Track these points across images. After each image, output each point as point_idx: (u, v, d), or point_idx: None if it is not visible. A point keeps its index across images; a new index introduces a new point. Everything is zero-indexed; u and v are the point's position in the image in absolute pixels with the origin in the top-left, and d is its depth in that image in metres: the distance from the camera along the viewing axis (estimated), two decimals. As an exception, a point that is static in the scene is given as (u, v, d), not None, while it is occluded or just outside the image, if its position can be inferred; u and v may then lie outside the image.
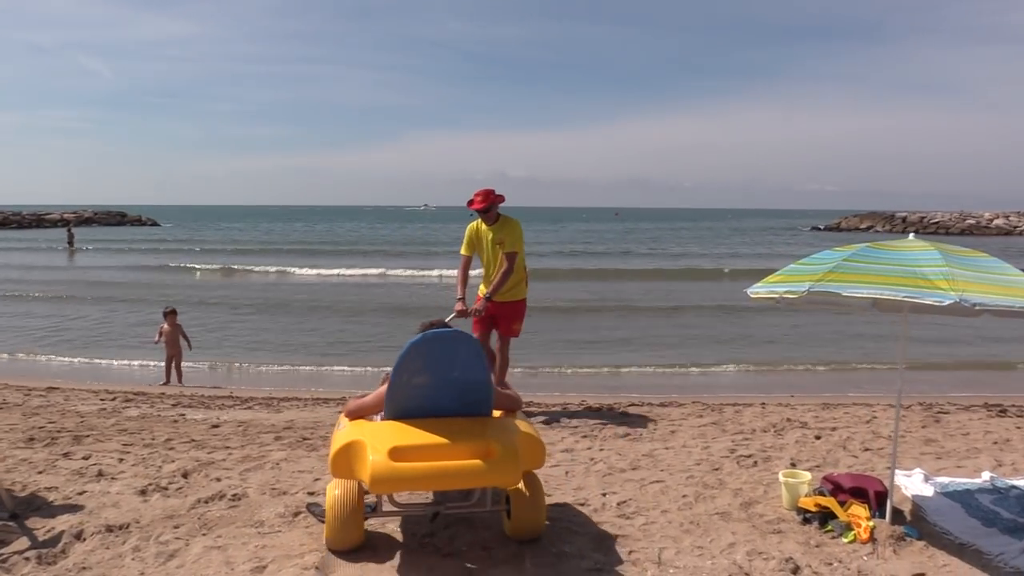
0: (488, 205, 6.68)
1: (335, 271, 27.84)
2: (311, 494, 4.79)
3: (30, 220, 64.41)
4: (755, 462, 5.54)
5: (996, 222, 70.97)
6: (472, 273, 6.98)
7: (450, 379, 3.94)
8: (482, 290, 6.81)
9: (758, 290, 4.34)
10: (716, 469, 5.38)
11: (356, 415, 4.17)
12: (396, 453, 3.59)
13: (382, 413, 4.07)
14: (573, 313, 17.18)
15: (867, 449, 5.88)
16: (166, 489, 4.88)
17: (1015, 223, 69.76)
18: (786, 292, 4.06)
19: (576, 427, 6.51)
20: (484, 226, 6.86)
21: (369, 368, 11.58)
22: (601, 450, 5.82)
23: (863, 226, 73.85)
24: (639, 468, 5.40)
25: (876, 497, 4.55)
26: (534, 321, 14.71)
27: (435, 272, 26.56)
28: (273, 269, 28.65)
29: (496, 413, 4.24)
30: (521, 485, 4.00)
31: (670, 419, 6.75)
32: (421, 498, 4.56)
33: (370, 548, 3.96)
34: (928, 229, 68.62)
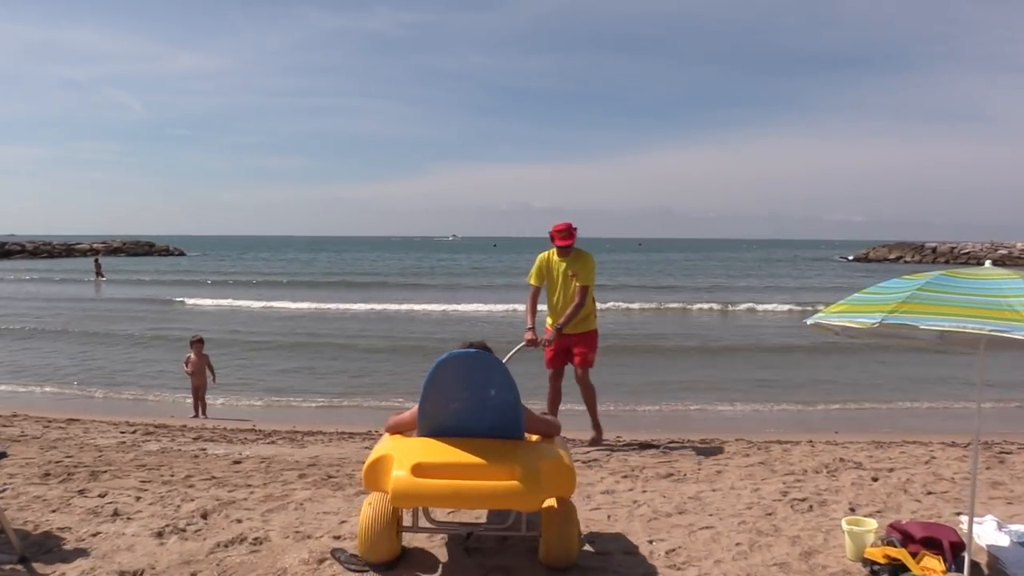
0: (572, 241, 6.77)
1: (362, 305, 27.51)
2: (337, 538, 4.49)
3: (60, 250, 65.33)
4: (810, 506, 5.16)
5: (1028, 252, 69.77)
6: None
7: (476, 399, 3.96)
8: (550, 322, 6.88)
9: (820, 320, 4.01)
10: (769, 514, 5.01)
11: (394, 430, 4.32)
12: (419, 470, 3.71)
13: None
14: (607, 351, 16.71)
15: (930, 492, 5.48)
16: (184, 531, 4.60)
17: (1048, 253, 68.52)
18: (853, 322, 3.73)
19: (615, 467, 6.16)
20: (556, 258, 6.89)
21: (397, 401, 11.32)
22: (644, 492, 5.46)
23: (892, 256, 72.98)
24: (686, 512, 5.04)
25: (951, 548, 4.17)
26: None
27: (461, 306, 26.20)
28: (296, 305, 28.32)
29: (534, 438, 4.25)
30: (553, 512, 4.00)
31: (715, 458, 6.38)
32: (465, 517, 4.68)
33: (407, 561, 4.09)
34: (959, 259, 67.58)
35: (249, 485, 5.61)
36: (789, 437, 7.60)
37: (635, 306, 25.41)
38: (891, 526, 4.43)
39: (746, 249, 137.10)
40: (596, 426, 7.12)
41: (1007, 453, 6.70)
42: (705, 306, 26.18)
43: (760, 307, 25.19)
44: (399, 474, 3.69)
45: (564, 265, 6.82)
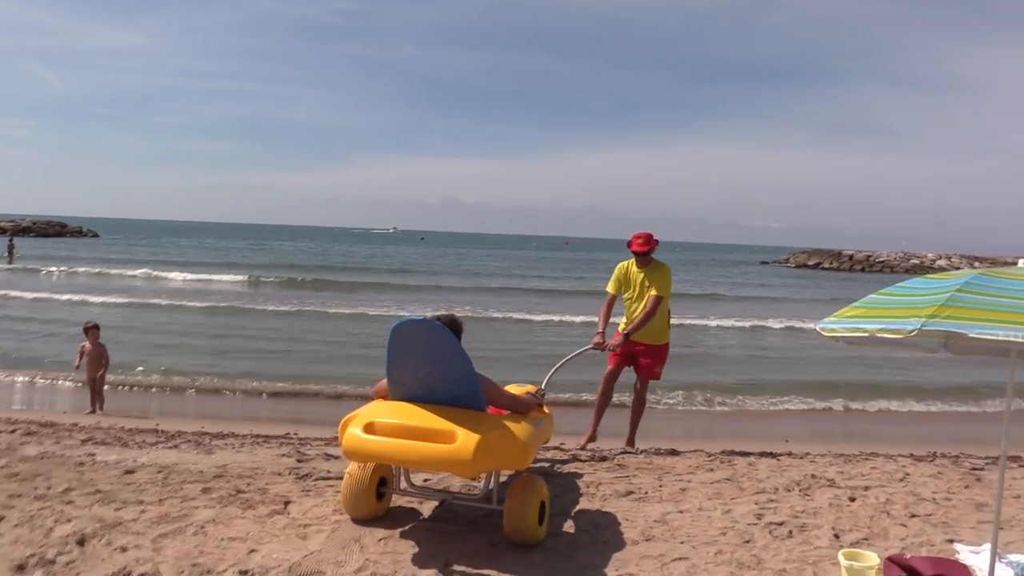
0: (649, 249, 6.75)
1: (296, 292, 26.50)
2: (243, 573, 3.69)
3: (-37, 228, 61.22)
4: (790, 531, 4.60)
5: (939, 262, 72.58)
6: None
7: (433, 368, 4.09)
8: (622, 327, 6.85)
9: (834, 327, 3.41)
10: (747, 541, 4.42)
11: (377, 395, 4.53)
12: (370, 428, 3.98)
13: None
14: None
15: (914, 515, 4.98)
16: (52, 563, 3.74)
17: (957, 264, 71.39)
18: (883, 331, 3.12)
19: (568, 483, 5.47)
20: (635, 268, 6.89)
21: (316, 395, 10.46)
22: (604, 513, 4.81)
23: (811, 263, 74.99)
24: (654, 539, 4.41)
25: (965, 589, 3.65)
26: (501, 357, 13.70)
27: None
28: (228, 278, 27.16)
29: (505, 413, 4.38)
30: (515, 485, 4.21)
31: (676, 473, 5.77)
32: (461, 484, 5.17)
33: (389, 518, 4.52)
34: (874, 268, 69.86)
35: (141, 502, 4.72)
36: (743, 447, 7.09)
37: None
38: (891, 559, 3.88)
39: (671, 251, 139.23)
40: (630, 440, 6.97)
41: (979, 469, 6.30)
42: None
43: (714, 323, 24.01)
44: (351, 431, 4.01)
45: (642, 276, 6.81)
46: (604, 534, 4.44)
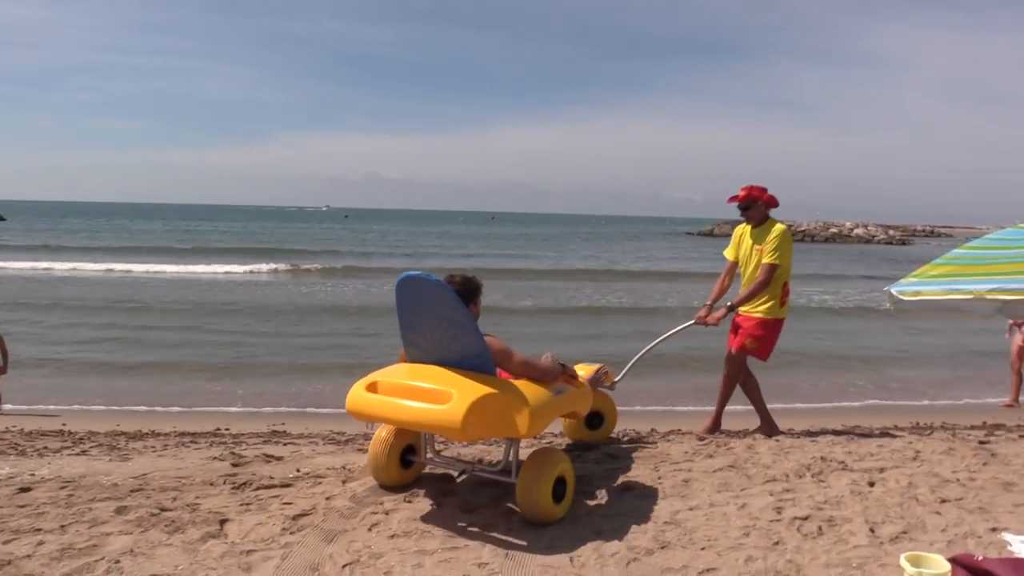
0: (747, 201, 5.89)
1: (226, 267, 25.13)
2: (173, 626, 2.86)
3: None
4: (819, 528, 3.98)
5: (856, 231, 74.77)
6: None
7: (434, 325, 3.96)
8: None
9: (920, 288, 2.76)
10: (776, 543, 3.78)
11: (401, 358, 4.31)
12: (372, 387, 3.92)
13: None
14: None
15: (943, 500, 4.43)
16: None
17: (872, 232, 73.71)
18: (996, 291, 2.46)
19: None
20: (750, 229, 6.02)
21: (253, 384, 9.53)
22: (605, 516, 4.11)
23: (734, 233, 76.22)
24: (669, 546, 3.73)
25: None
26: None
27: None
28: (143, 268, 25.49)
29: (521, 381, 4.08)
30: (529, 458, 4.01)
31: (672, 461, 5.10)
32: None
33: (415, 487, 4.42)
34: (797, 237, 71.48)
35: (38, 529, 3.79)
36: (726, 424, 6.53)
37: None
38: (958, 562, 3.28)
39: (596, 224, 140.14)
40: (713, 418, 6.25)
41: (986, 443, 5.85)
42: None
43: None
44: (354, 389, 3.96)
45: (752, 238, 5.96)
46: (610, 544, 3.74)
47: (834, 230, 73.58)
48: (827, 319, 17.63)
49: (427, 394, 3.73)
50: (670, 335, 5.95)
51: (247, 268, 26.60)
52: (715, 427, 6.20)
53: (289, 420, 8.00)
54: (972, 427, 7.17)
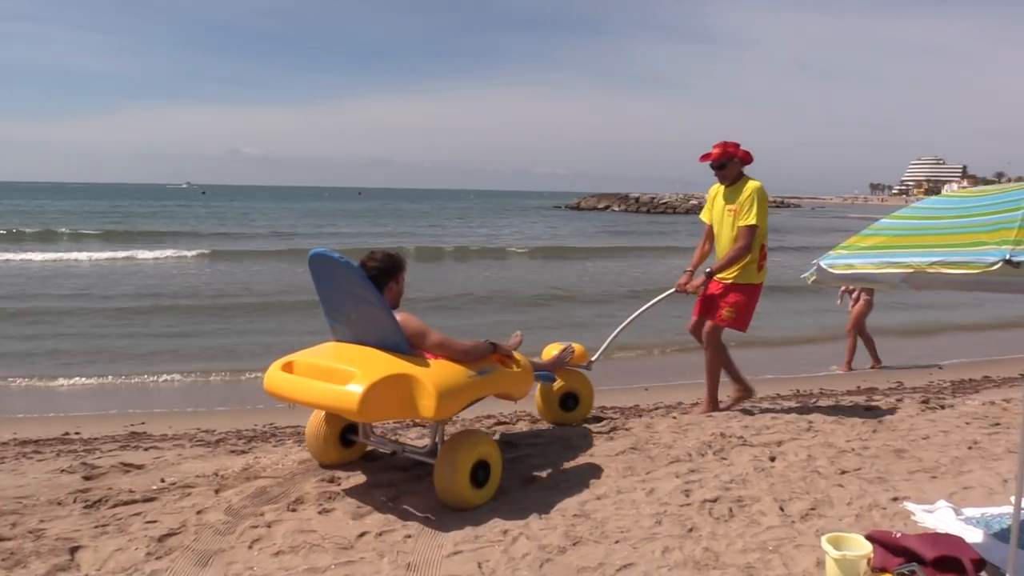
0: (722, 159, 5.49)
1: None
2: None
3: None
4: (730, 510, 3.87)
5: (718, 202, 77.78)
6: None
7: (345, 303, 3.93)
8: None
9: (850, 261, 2.59)
10: (690, 530, 3.63)
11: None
12: (287, 366, 3.91)
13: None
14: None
15: (843, 471, 4.44)
16: None
17: (732, 204, 77.00)
18: (957, 265, 2.27)
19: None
20: (722, 188, 5.65)
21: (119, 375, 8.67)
22: (510, 512, 3.83)
23: (601, 206, 78.57)
24: (582, 541, 3.50)
25: (974, 568, 3.05)
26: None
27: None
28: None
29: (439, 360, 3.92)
30: (447, 441, 3.92)
31: (572, 446, 4.88)
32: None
33: (356, 464, 4.41)
34: (658, 209, 74.06)
35: None
36: (611, 401, 6.43)
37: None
38: (875, 540, 3.21)
39: (467, 199, 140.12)
40: (708, 399, 5.87)
41: (869, 408, 5.98)
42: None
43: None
44: (271, 368, 3.95)
45: (724, 199, 5.60)
46: (519, 544, 3.47)
47: (694, 202, 76.46)
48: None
49: (334, 374, 3.67)
50: (649, 307, 5.65)
51: (105, 255, 24.54)
52: (713, 407, 5.88)
53: (149, 419, 7.27)
54: (849, 391, 7.38)
